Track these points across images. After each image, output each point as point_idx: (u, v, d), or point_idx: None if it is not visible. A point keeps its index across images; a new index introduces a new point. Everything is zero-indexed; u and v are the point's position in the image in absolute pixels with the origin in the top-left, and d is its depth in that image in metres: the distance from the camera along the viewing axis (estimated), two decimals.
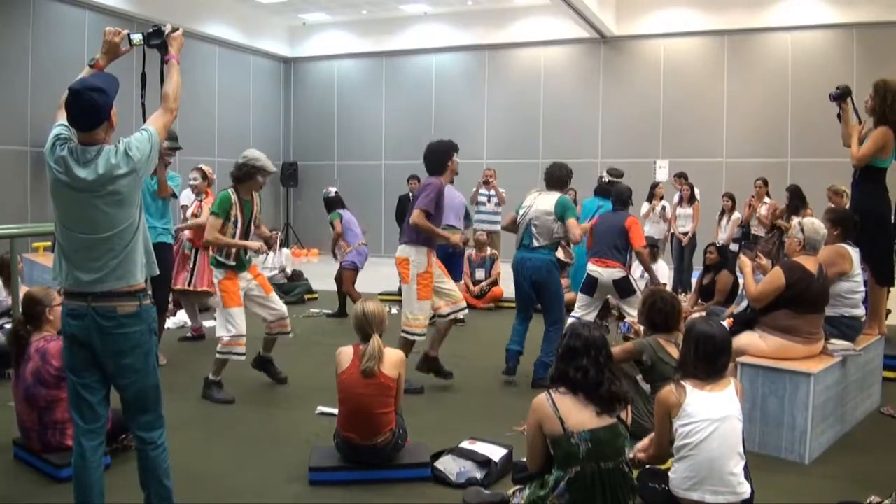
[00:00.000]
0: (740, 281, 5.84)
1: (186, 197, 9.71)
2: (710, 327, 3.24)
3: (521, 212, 5.87)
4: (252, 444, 4.47)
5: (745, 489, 3.05)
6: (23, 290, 5.40)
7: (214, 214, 5.29)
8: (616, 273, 6.09)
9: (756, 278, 4.75)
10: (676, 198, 10.42)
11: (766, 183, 10.00)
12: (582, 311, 6.25)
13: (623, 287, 6.14)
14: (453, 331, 8.06)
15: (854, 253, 4.99)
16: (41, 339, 4.10)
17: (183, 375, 5.87)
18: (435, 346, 5.71)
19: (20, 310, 4.29)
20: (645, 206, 10.42)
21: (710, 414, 3.04)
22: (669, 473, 3.11)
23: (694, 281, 8.60)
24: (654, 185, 10.74)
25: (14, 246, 6.05)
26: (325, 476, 3.89)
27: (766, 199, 9.91)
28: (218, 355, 5.35)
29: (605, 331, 5.13)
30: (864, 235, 5.29)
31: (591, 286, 6.21)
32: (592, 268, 6.19)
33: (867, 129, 5.33)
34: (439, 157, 5.57)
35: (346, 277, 8.47)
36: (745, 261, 4.89)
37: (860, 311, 4.98)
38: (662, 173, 13.24)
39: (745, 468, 3.10)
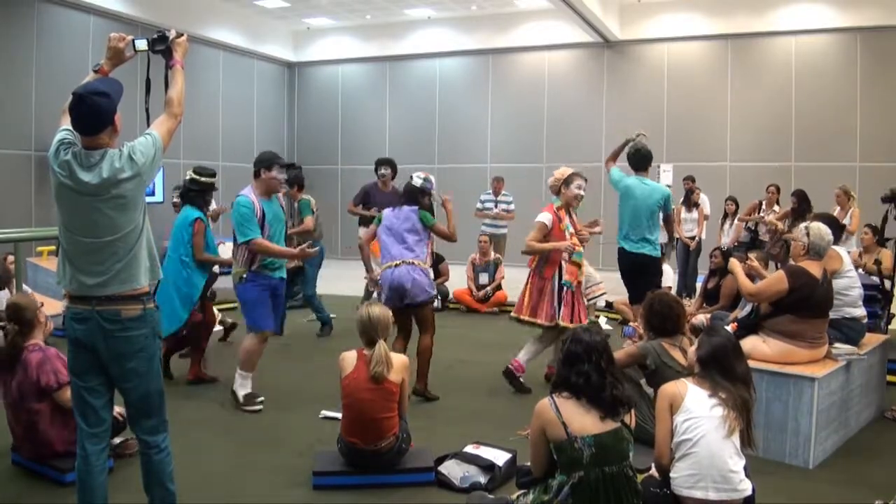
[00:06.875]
0: None
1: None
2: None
3: None
4: (255, 448, 4.47)
5: (747, 486, 3.06)
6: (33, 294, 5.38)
7: None
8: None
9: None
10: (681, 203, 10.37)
11: (778, 190, 9.96)
12: None
13: None
14: (457, 334, 8.11)
15: (843, 252, 5.04)
16: (26, 351, 3.99)
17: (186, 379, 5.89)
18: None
19: (9, 319, 4.14)
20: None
21: (711, 413, 3.06)
22: (671, 474, 3.11)
23: (699, 285, 8.57)
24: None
25: (18, 250, 6.08)
26: (329, 480, 3.90)
27: (776, 207, 9.86)
28: None
29: None
30: None
31: None
32: None
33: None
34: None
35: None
36: (735, 262, 4.99)
37: (860, 312, 4.99)
38: (666, 177, 13.20)
39: (745, 468, 3.10)
